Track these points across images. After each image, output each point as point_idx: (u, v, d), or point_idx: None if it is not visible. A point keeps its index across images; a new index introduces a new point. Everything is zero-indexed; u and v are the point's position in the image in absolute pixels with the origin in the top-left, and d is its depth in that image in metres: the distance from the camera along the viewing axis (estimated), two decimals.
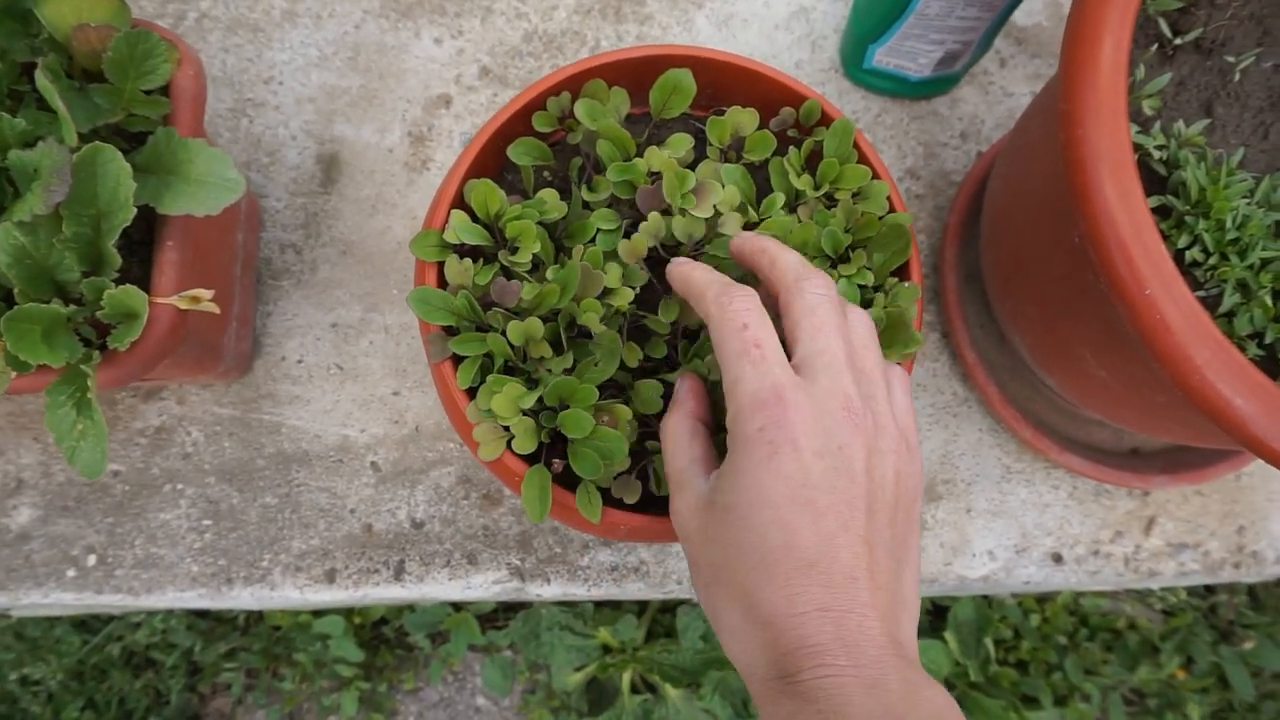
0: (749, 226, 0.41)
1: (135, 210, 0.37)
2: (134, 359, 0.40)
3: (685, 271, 0.37)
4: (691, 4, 0.63)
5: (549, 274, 0.38)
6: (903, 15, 0.53)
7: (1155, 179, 0.41)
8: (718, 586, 0.32)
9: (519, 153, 0.42)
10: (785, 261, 0.35)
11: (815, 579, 0.30)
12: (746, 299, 0.34)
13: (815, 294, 0.34)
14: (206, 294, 0.42)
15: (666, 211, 0.41)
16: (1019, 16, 0.65)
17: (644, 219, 0.40)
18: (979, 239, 0.58)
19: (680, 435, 0.36)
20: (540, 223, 0.40)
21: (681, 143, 0.41)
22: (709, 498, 0.33)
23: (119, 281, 0.39)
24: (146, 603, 0.55)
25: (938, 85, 0.61)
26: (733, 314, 0.33)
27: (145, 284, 0.42)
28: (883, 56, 0.58)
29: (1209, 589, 0.80)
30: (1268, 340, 0.38)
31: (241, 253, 0.54)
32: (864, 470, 0.32)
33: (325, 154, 0.60)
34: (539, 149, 0.43)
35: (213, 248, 0.49)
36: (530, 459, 0.39)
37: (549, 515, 0.40)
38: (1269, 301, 0.38)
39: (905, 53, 0.57)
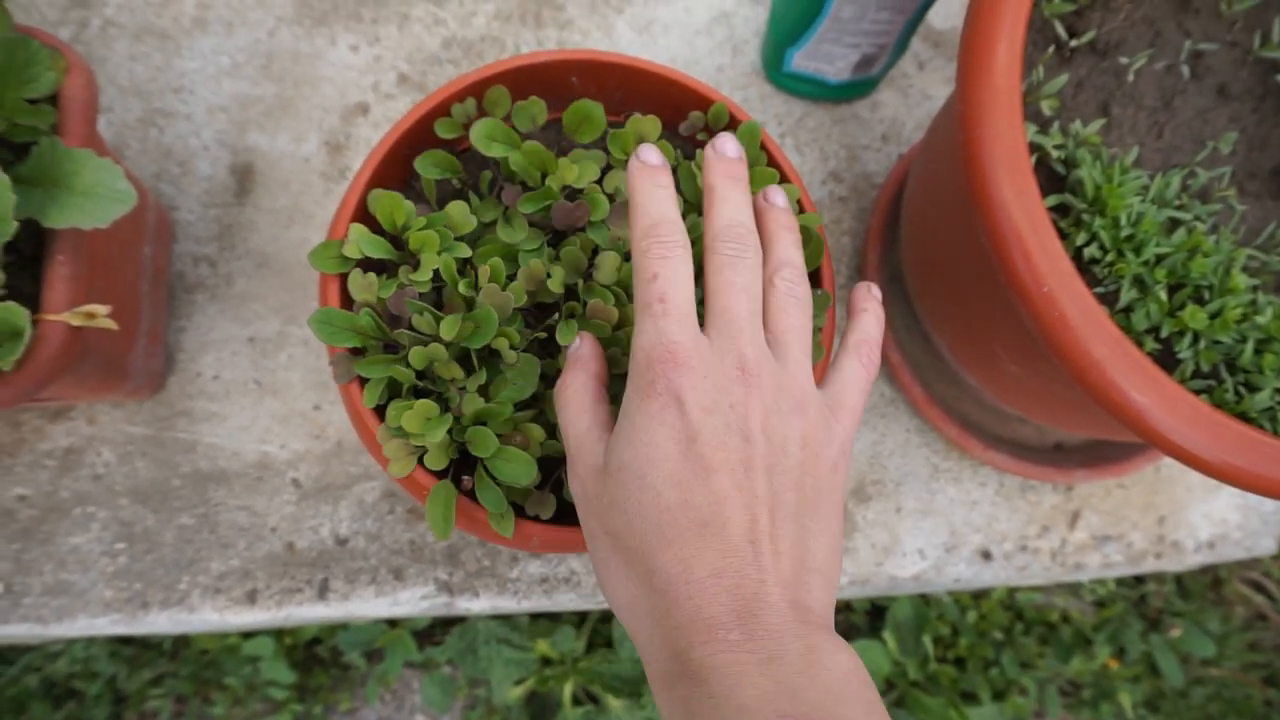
0: None
1: (17, 224, 0.36)
2: (23, 378, 0.39)
3: (633, 184, 0.34)
4: (612, 10, 0.63)
5: (461, 288, 0.37)
6: (817, 19, 0.54)
7: (1055, 178, 0.41)
8: (615, 556, 0.31)
9: (426, 165, 0.41)
10: (715, 214, 0.34)
11: (710, 541, 0.29)
12: (664, 245, 0.32)
13: (726, 254, 0.33)
14: (102, 310, 0.41)
15: (581, 229, 0.41)
16: (936, 20, 0.66)
17: (559, 232, 0.40)
18: (900, 240, 0.58)
19: (579, 397, 0.34)
20: (458, 238, 0.39)
21: (590, 169, 0.41)
22: (604, 459, 0.32)
23: (4, 298, 0.37)
24: (56, 631, 0.53)
25: (857, 88, 0.62)
26: (646, 262, 0.32)
27: (36, 301, 0.40)
28: (801, 60, 0.59)
29: (1138, 579, 0.82)
30: (1164, 335, 0.39)
31: (150, 266, 0.53)
32: (761, 430, 0.31)
33: (239, 164, 0.58)
34: (446, 160, 0.42)
35: (114, 262, 0.48)
36: (443, 474, 0.38)
37: (462, 530, 0.40)
38: (1164, 296, 0.39)
39: (822, 56, 0.58)
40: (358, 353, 0.39)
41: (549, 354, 0.41)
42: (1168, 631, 0.78)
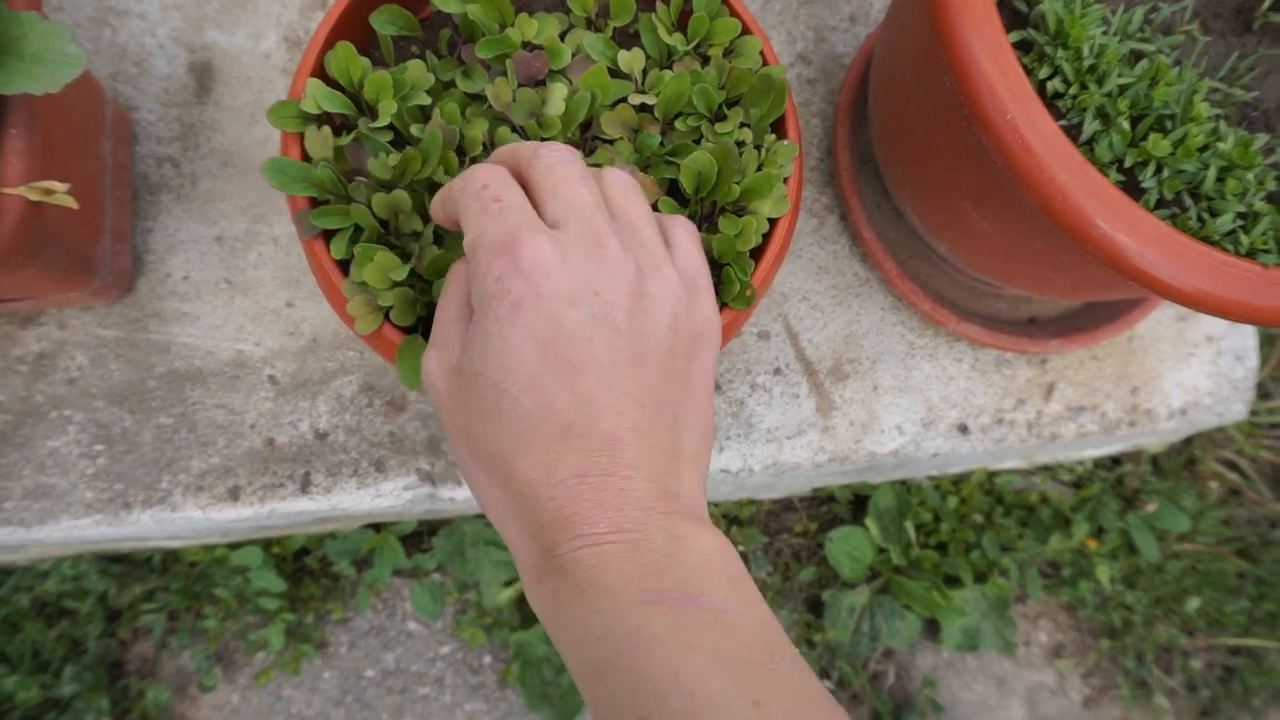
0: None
1: None
2: None
3: (439, 197, 0.33)
4: None
5: (415, 131, 0.37)
6: None
7: (1018, 17, 0.41)
8: (475, 459, 0.30)
9: (382, 20, 0.41)
10: (514, 148, 0.33)
11: (573, 444, 0.28)
12: (486, 168, 0.31)
13: (553, 156, 0.31)
14: (60, 186, 0.40)
15: (540, 83, 0.40)
16: None
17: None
18: (869, 118, 0.58)
19: (461, 285, 0.32)
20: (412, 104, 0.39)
21: (550, 24, 0.41)
22: (459, 361, 0.30)
23: None
24: (40, 534, 0.53)
25: None
26: (471, 181, 0.30)
27: None
28: None
29: (1115, 461, 0.83)
30: (1127, 164, 0.39)
31: (111, 163, 0.52)
32: (628, 317, 0.29)
33: (197, 62, 0.57)
34: (403, 17, 0.41)
35: (73, 151, 0.47)
36: (409, 333, 0.38)
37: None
38: (1126, 127, 0.39)
39: None
40: (318, 208, 0.38)
41: None
42: (1144, 509, 0.79)
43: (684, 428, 0.31)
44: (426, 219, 0.38)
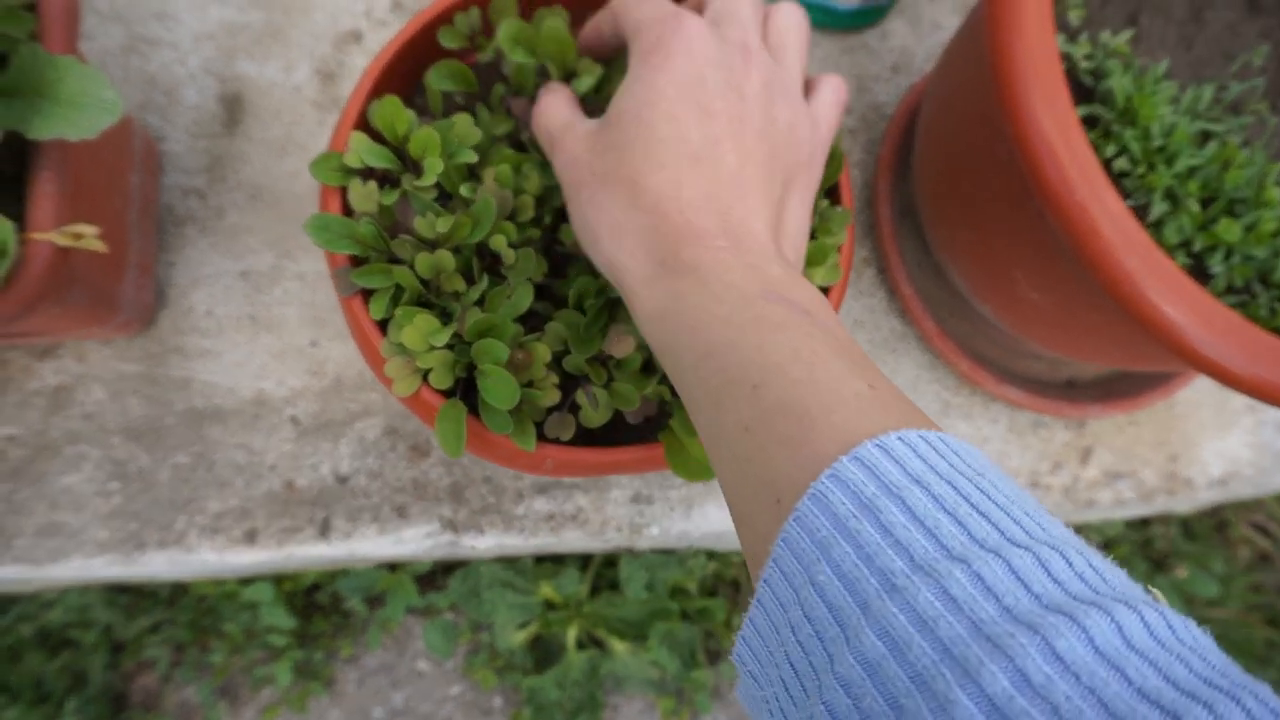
0: None
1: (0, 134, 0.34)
2: (8, 301, 0.37)
3: (592, 24, 0.37)
4: None
5: (464, 191, 0.36)
6: None
7: (1082, 91, 0.40)
8: (602, 192, 0.31)
9: (438, 77, 0.39)
10: None
11: (703, 171, 0.30)
12: None
13: None
14: (90, 230, 0.39)
15: None
16: None
17: None
18: (912, 171, 0.57)
19: (557, 104, 0.35)
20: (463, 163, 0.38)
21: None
22: (599, 124, 0.33)
23: None
24: (51, 573, 0.52)
25: (867, 17, 0.60)
26: None
27: (21, 221, 0.38)
28: None
29: (1144, 522, 0.82)
30: (1195, 249, 0.38)
31: (138, 196, 0.51)
32: (756, 98, 0.32)
33: (228, 93, 0.56)
34: (459, 71, 0.40)
35: (100, 188, 0.46)
36: (449, 395, 0.37)
37: (472, 452, 0.38)
38: (1196, 210, 0.37)
39: None
40: (358, 265, 0.37)
41: (556, 271, 0.39)
42: (1173, 573, 0.78)
43: (788, 211, 0.33)
44: (470, 280, 0.37)
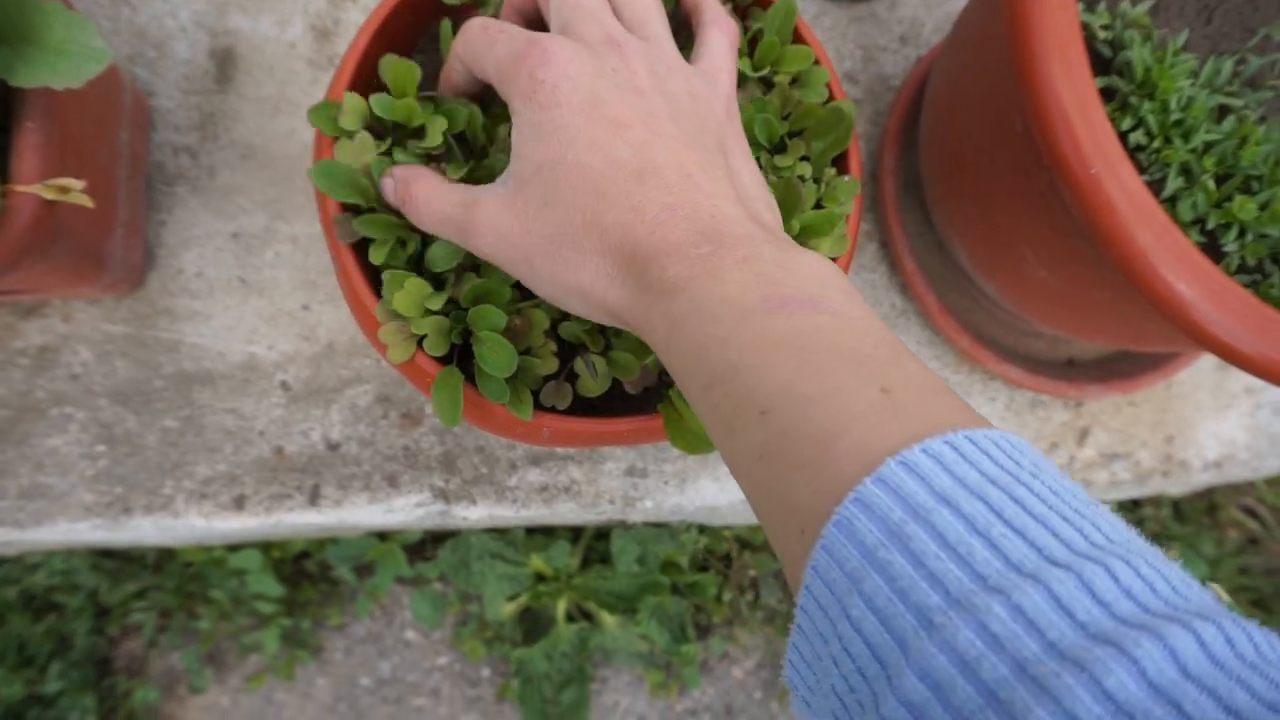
0: None
1: None
2: None
3: (446, 70, 0.35)
4: None
5: (480, 134, 0.35)
6: None
7: (1100, 62, 0.39)
8: (562, 249, 0.30)
9: (448, 36, 0.38)
10: None
11: (651, 184, 0.29)
12: (478, 18, 0.33)
13: None
14: (76, 184, 0.38)
15: None
16: None
17: None
18: (918, 144, 0.56)
19: (434, 185, 0.33)
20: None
21: None
22: (509, 188, 0.31)
23: None
24: (34, 535, 0.51)
25: None
26: (469, 29, 0.33)
27: (5, 173, 0.37)
28: None
29: (1135, 503, 0.82)
30: (1209, 226, 0.37)
31: (127, 153, 0.49)
32: (651, 85, 0.31)
33: (219, 48, 0.54)
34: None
35: (88, 142, 0.44)
36: (444, 362, 0.36)
37: (468, 421, 0.38)
38: (1211, 186, 0.37)
39: None
40: (356, 216, 0.36)
41: None
42: (1164, 553, 0.77)
43: (736, 175, 0.32)
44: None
